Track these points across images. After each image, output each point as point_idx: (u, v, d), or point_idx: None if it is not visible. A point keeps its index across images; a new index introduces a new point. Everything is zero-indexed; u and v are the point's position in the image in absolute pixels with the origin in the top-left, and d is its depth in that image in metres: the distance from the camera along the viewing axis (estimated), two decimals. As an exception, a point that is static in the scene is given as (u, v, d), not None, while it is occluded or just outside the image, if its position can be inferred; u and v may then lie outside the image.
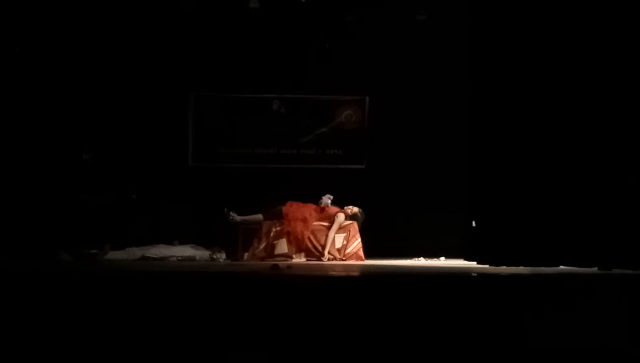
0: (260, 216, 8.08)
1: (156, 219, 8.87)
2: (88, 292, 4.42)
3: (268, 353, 4.05)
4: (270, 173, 9.48)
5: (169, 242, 7.83)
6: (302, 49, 9.38)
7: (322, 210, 8.22)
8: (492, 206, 6.23)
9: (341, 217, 8.13)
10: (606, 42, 5.84)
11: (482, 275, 5.37)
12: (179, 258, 7.53)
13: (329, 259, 7.90)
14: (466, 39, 6.77)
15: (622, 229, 5.69)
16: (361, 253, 8.05)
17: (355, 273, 5.89)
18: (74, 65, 8.58)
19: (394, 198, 9.27)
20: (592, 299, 4.38)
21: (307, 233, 7.98)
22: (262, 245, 7.89)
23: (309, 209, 8.14)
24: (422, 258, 8.14)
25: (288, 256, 7.83)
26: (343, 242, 8.06)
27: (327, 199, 8.26)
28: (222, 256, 7.78)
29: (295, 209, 8.08)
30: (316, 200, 8.27)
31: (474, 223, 6.48)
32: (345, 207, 8.26)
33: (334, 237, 8.02)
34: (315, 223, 8.11)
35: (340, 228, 8.10)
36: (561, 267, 5.86)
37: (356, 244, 8.07)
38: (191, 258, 7.57)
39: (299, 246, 7.96)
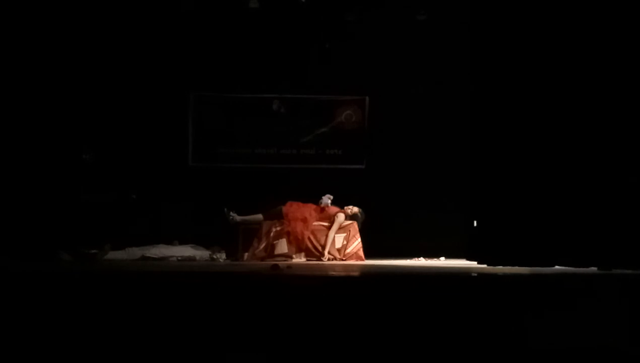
0: (260, 216, 8.08)
1: (156, 219, 8.87)
2: (88, 292, 4.42)
3: (268, 353, 4.05)
4: (270, 173, 9.48)
5: (169, 242, 7.83)
6: (302, 49, 9.38)
7: (322, 210, 8.22)
8: (492, 206, 6.23)
9: (341, 217, 8.13)
10: (606, 42, 5.84)
11: (482, 275, 5.37)
12: (179, 258, 7.54)
13: (329, 259, 7.90)
14: (466, 39, 6.77)
15: (622, 229, 5.69)
16: (361, 253, 8.05)
17: (355, 273, 5.89)
18: (74, 65, 8.58)
19: (394, 198, 9.28)
20: (592, 299, 4.38)
21: (307, 233, 7.98)
22: (262, 245, 7.89)
23: (309, 209, 8.15)
24: (422, 258, 8.14)
25: (288, 256, 7.83)
26: (343, 242, 8.06)
27: (327, 199, 8.26)
28: (222, 256, 7.78)
29: (295, 209, 8.08)
30: (316, 200, 8.27)
31: (475, 223, 6.48)
32: (345, 207, 8.26)
33: (334, 237, 8.02)
34: (315, 223, 8.12)
35: (340, 228, 8.10)
36: (561, 267, 5.86)
37: (356, 244, 8.07)
38: (191, 258, 7.57)
39: (299, 246, 7.96)
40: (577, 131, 5.89)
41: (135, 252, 7.51)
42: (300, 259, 7.89)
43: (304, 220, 8.02)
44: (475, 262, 6.43)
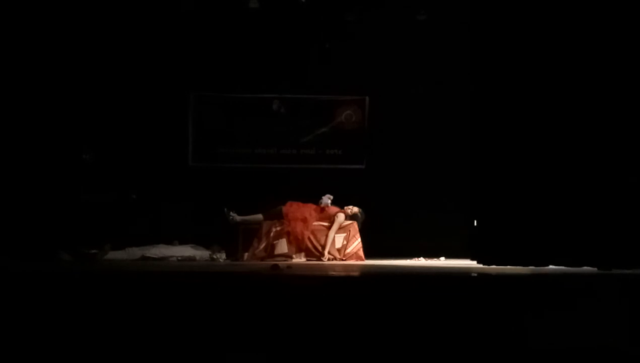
0: (260, 216, 8.08)
1: (156, 219, 8.87)
2: (88, 292, 4.42)
3: (268, 353, 4.05)
4: (270, 173, 9.48)
5: (169, 242, 7.83)
6: (302, 49, 9.38)
7: (322, 210, 8.22)
8: (492, 206, 6.22)
9: (341, 217, 8.13)
10: (606, 42, 5.84)
11: (482, 275, 5.37)
12: (179, 258, 7.54)
13: (329, 259, 7.90)
14: (466, 39, 6.77)
15: (623, 229, 5.69)
16: (361, 253, 8.05)
17: (355, 273, 5.89)
18: (74, 65, 8.58)
19: (394, 198, 9.28)
20: (592, 299, 4.38)
21: (307, 233, 7.98)
22: (262, 245, 7.89)
23: (309, 209, 8.15)
24: (422, 258, 8.14)
25: (288, 256, 7.83)
26: (343, 242, 8.06)
27: (327, 199, 8.26)
28: (222, 256, 7.78)
29: (295, 209, 8.08)
30: (316, 200, 8.27)
31: (475, 223, 6.48)
32: (345, 207, 8.26)
33: (334, 237, 8.02)
34: (315, 223, 8.12)
35: (340, 228, 8.10)
36: (561, 267, 5.86)
37: (356, 244, 8.07)
38: (191, 258, 7.57)
39: (299, 246, 7.96)
40: (577, 131, 5.89)
41: (135, 252, 7.51)
42: (300, 259, 7.89)
43: (304, 220, 8.02)
44: (475, 262, 6.43)
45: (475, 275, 5.43)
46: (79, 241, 7.53)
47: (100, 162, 8.72)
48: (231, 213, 8.00)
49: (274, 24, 9.20)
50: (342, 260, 7.96)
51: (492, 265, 6.12)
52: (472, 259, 6.89)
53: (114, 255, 7.46)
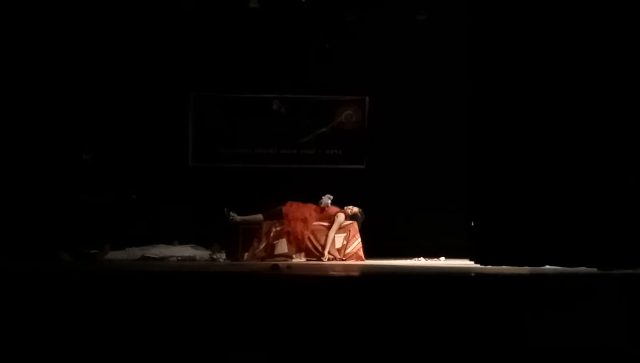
0: (260, 216, 8.08)
1: (156, 219, 8.87)
2: (88, 292, 4.42)
3: (268, 353, 4.05)
4: (270, 173, 9.48)
5: (169, 242, 7.83)
6: (302, 49, 9.38)
7: (322, 210, 8.22)
8: (491, 206, 6.22)
9: (341, 217, 8.13)
10: (606, 42, 5.84)
11: (482, 275, 5.37)
12: (179, 258, 7.54)
13: (329, 259, 7.91)
14: (466, 39, 6.77)
15: (623, 229, 5.69)
16: (361, 253, 8.05)
17: (355, 273, 5.89)
18: (74, 65, 8.57)
19: (394, 198, 9.28)
20: (592, 299, 4.38)
21: (307, 233, 7.98)
22: (262, 245, 7.89)
23: (309, 209, 8.15)
24: (422, 258, 8.14)
25: (288, 256, 7.83)
26: (343, 242, 8.06)
27: (327, 199, 8.26)
28: (222, 256, 7.78)
29: (295, 209, 8.08)
30: (316, 200, 8.27)
31: (472, 224, 6.48)
32: (345, 207, 8.26)
33: (334, 237, 8.02)
34: (315, 223, 8.12)
35: (340, 228, 8.10)
36: (561, 267, 5.86)
37: (356, 244, 8.07)
38: (191, 258, 7.57)
39: (299, 246, 7.96)
40: (577, 131, 5.88)
41: (135, 252, 7.52)
42: (300, 259, 7.89)
43: (304, 220, 8.02)
44: (473, 262, 6.43)
45: (475, 275, 5.43)
46: (79, 241, 7.53)
47: (100, 162, 8.72)
48: (231, 213, 8.00)
49: (274, 24, 9.20)
50: (342, 260, 7.96)
51: (488, 265, 6.12)
52: (470, 259, 6.90)
53: (114, 255, 7.46)
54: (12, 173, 7.77)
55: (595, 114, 5.84)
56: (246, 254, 7.86)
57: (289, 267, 6.53)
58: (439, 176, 9.15)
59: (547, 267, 5.89)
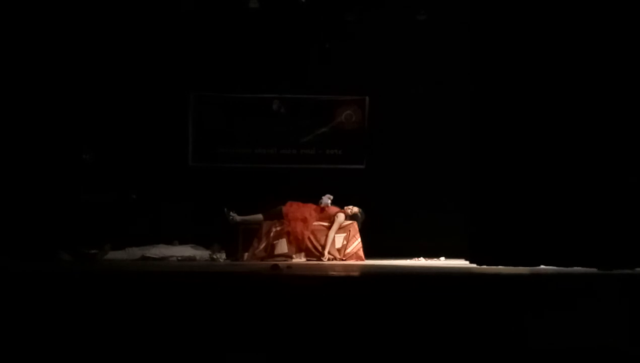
0: (260, 216, 8.08)
1: (156, 219, 8.87)
2: (88, 292, 4.42)
3: (268, 353, 4.05)
4: (270, 173, 9.48)
5: (169, 242, 7.83)
6: (302, 49, 9.38)
7: (322, 210, 8.22)
8: (492, 206, 6.21)
9: (341, 217, 8.13)
10: (606, 42, 5.84)
11: (482, 275, 5.37)
12: (179, 258, 7.54)
13: (329, 259, 7.91)
14: (466, 39, 6.76)
15: (623, 229, 5.69)
16: (361, 253, 8.05)
17: (355, 273, 5.89)
18: (74, 65, 8.57)
19: (394, 198, 9.28)
20: (592, 299, 4.38)
21: (307, 233, 7.98)
22: (262, 245, 7.89)
23: (309, 209, 8.15)
24: (422, 258, 8.14)
25: (288, 256, 7.83)
26: (343, 242, 8.06)
27: (327, 199, 8.26)
28: (222, 256, 7.78)
29: (295, 209, 8.08)
30: (316, 200, 8.27)
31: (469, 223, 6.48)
32: (345, 207, 8.26)
33: (334, 237, 8.02)
34: (315, 223, 8.12)
35: (340, 228, 8.10)
36: (560, 267, 5.85)
37: (356, 244, 8.07)
38: (191, 258, 7.57)
39: (299, 246, 7.96)
40: (577, 131, 5.89)
41: (135, 252, 7.52)
42: (300, 259, 7.89)
43: (304, 220, 8.02)
44: (468, 262, 6.44)
45: (475, 275, 5.43)
46: (79, 241, 7.53)
47: (100, 162, 8.71)
48: (231, 213, 8.00)
49: (274, 24, 9.20)
50: (342, 260, 7.96)
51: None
52: (466, 259, 6.91)
53: (114, 255, 7.46)
54: (12, 173, 7.77)
55: (594, 114, 5.85)
56: (246, 254, 7.86)
57: (289, 267, 6.53)
58: (439, 176, 9.14)
59: (548, 267, 5.89)
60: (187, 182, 9.29)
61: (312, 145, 9.74)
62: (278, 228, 7.96)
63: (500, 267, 6.01)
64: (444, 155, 9.12)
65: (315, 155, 9.73)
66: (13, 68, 7.92)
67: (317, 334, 4.13)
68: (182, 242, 7.88)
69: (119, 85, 8.99)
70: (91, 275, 5.23)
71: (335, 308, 4.27)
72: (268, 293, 4.51)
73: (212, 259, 7.64)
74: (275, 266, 6.28)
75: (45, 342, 4.09)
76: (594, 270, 5.62)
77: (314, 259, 7.93)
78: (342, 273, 5.79)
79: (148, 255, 7.48)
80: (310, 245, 7.98)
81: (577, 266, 5.75)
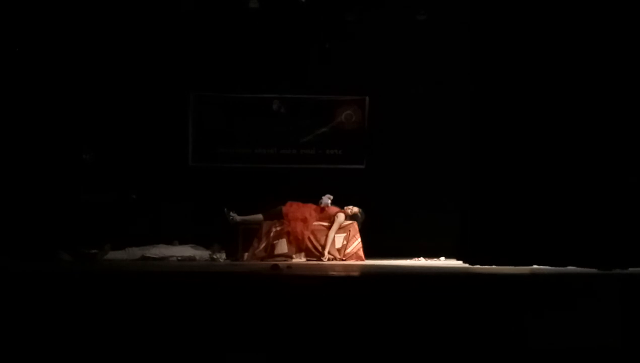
0: (260, 216, 8.08)
1: (156, 219, 8.87)
2: (88, 292, 4.42)
3: (268, 353, 4.05)
4: (270, 173, 9.48)
5: (169, 242, 7.83)
6: (302, 49, 9.38)
7: (322, 210, 8.22)
8: (492, 206, 6.21)
9: (341, 217, 8.13)
10: (606, 42, 5.84)
11: (482, 275, 5.37)
12: (179, 258, 7.54)
13: (329, 259, 7.91)
14: (466, 39, 6.76)
15: (623, 229, 5.69)
16: (361, 253, 8.05)
17: (355, 273, 5.89)
18: (74, 65, 8.58)
19: (394, 198, 9.27)
20: (592, 299, 4.38)
21: (307, 233, 7.98)
22: (262, 245, 7.89)
23: (309, 209, 8.15)
24: (422, 258, 8.14)
25: (288, 256, 7.83)
26: (343, 242, 8.06)
27: (327, 199, 8.26)
28: (222, 256, 7.78)
29: (295, 209, 8.08)
30: (316, 200, 8.27)
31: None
32: (345, 207, 8.26)
33: (334, 237, 8.02)
34: (315, 223, 8.12)
35: (340, 228, 8.10)
36: (561, 267, 5.86)
37: (356, 244, 8.07)
38: (191, 258, 7.57)
39: (299, 246, 7.96)
40: (577, 131, 5.89)
41: (135, 252, 7.52)
42: (300, 259, 7.89)
43: (304, 220, 8.02)
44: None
45: (475, 275, 5.43)
46: (79, 241, 7.53)
47: (100, 162, 8.72)
48: (231, 213, 8.00)
49: (274, 24, 9.20)
50: (342, 260, 7.96)
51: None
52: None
53: (114, 255, 7.46)
54: (12, 173, 7.78)
55: (594, 114, 5.85)
56: (246, 254, 7.86)
57: (289, 267, 6.53)
58: (439, 176, 9.13)
59: (548, 267, 5.89)
60: (187, 182, 9.29)
61: (312, 145, 9.74)
62: (278, 228, 7.96)
63: (500, 267, 6.01)
64: (444, 155, 9.11)
65: (315, 155, 9.73)
66: (13, 68, 7.92)
67: (317, 334, 4.13)
68: (182, 242, 7.88)
69: (119, 86, 8.99)
70: (91, 275, 5.23)
71: (335, 308, 4.27)
72: (268, 293, 4.50)
73: (212, 259, 7.64)
74: (275, 266, 6.28)
75: (45, 342, 4.09)
76: (593, 270, 5.62)
77: (314, 259, 7.93)
78: (342, 273, 5.79)
79: (148, 255, 7.48)
80: (310, 245, 7.98)
81: (571, 266, 5.75)
